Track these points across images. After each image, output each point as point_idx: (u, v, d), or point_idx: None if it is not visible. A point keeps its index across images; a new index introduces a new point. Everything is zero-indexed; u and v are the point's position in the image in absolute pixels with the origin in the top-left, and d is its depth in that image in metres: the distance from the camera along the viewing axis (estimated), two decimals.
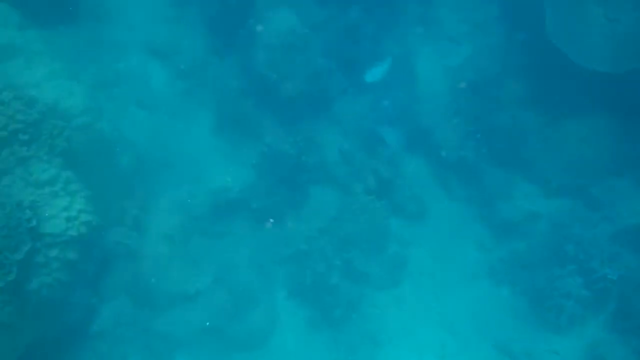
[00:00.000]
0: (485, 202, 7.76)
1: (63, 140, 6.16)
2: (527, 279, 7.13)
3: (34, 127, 6.03)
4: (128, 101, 7.98)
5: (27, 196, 5.78)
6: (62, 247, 5.80)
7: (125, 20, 8.38)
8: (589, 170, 7.55)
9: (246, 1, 7.99)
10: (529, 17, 7.85)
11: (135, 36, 8.36)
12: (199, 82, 8.23)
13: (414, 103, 8.24)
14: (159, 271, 6.89)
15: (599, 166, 7.54)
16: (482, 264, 7.51)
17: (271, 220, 7.53)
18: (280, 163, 7.54)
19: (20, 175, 5.89)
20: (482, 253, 7.60)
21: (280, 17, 7.75)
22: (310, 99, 7.97)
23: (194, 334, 6.83)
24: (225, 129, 8.07)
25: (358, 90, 8.35)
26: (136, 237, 6.91)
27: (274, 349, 7.04)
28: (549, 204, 7.64)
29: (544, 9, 7.32)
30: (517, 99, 7.84)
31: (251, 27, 7.69)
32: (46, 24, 7.33)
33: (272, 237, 7.48)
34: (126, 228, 6.84)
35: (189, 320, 6.84)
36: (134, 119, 7.91)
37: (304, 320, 7.16)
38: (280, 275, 7.32)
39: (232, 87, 7.97)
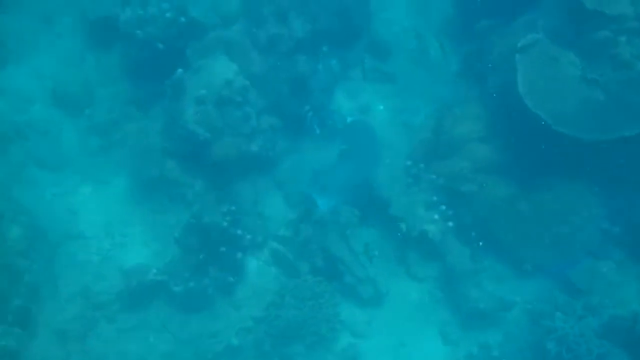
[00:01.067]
0: (451, 285, 6.66)
1: None
2: None
3: None
4: (26, 160, 6.64)
5: None
6: None
7: (30, 63, 7.11)
8: (567, 250, 6.60)
9: (175, 46, 6.88)
10: (498, 75, 7.04)
11: (42, 83, 7.09)
12: (116, 139, 6.97)
13: (370, 167, 7.18)
14: None
15: (577, 246, 6.59)
16: None
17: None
18: (209, 237, 6.29)
19: None
20: (448, 346, 6.44)
21: (215, 65, 6.64)
22: (248, 161, 6.82)
23: None
24: (144, 196, 6.78)
25: (305, 151, 7.26)
26: (19, 335, 5.45)
27: None
28: (523, 288, 6.61)
29: (515, 64, 6.50)
30: (486, 166, 6.89)
31: (180, 76, 6.53)
32: None
33: (196, 330, 6.13)
34: (5, 325, 5.38)
35: None
36: (32, 181, 6.55)
37: None
38: None
39: (155, 146, 6.73)
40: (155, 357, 5.93)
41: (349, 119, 7.51)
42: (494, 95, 6.98)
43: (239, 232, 6.37)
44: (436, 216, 6.67)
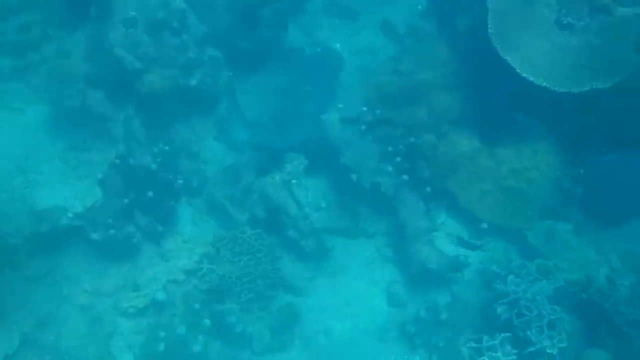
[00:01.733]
0: (401, 242, 6.18)
1: None
2: (448, 347, 5.63)
3: None
4: None
5: None
6: None
7: None
8: (525, 210, 6.19)
9: None
10: (467, 15, 6.41)
11: None
12: (32, 61, 6.07)
13: (320, 109, 6.52)
14: None
15: (537, 205, 6.19)
16: (393, 321, 5.91)
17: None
18: (137, 179, 5.58)
19: None
20: (395, 308, 6.00)
21: None
22: (185, 96, 6.06)
23: None
24: (65, 129, 5.97)
25: (251, 87, 6.53)
26: None
27: None
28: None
29: (486, 4, 5.86)
30: (447, 116, 6.34)
31: None
32: None
33: (115, 281, 5.49)
34: None
35: None
36: None
37: None
38: (124, 339, 5.34)
39: (78, 72, 5.88)
40: (68, 310, 5.28)
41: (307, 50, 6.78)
42: (462, 37, 6.37)
43: (170, 176, 5.69)
44: (390, 168, 6.11)
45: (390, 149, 6.21)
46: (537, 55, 5.71)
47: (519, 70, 5.61)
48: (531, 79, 5.62)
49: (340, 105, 6.46)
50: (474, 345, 5.46)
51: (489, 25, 5.75)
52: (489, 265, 6.02)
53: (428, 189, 6.29)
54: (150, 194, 5.58)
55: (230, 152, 6.35)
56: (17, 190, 5.73)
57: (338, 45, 6.95)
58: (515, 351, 5.37)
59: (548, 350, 5.34)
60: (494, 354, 5.34)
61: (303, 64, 6.65)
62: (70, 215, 5.31)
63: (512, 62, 5.62)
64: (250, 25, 6.57)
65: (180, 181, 5.73)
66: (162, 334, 5.17)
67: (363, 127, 6.33)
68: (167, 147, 5.78)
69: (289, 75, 6.56)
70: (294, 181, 5.99)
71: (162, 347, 5.10)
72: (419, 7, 7.13)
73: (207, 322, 5.32)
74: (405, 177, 6.20)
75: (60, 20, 6.15)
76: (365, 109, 6.41)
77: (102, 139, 5.97)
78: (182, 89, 6.01)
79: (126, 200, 5.53)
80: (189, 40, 5.93)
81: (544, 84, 5.52)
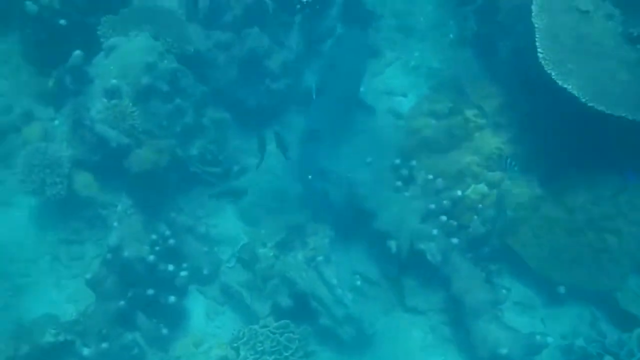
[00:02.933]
0: (460, 319, 5.05)
1: None
2: None
3: None
4: None
5: None
6: None
7: None
8: (613, 267, 4.97)
9: (84, 22, 5.22)
10: (509, 39, 5.39)
11: None
12: (15, 145, 5.35)
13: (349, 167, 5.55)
14: None
15: (627, 260, 4.96)
16: None
17: None
18: (133, 276, 4.68)
19: None
20: None
21: (131, 44, 4.96)
22: (186, 167, 5.20)
23: None
24: (52, 219, 5.18)
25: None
26: None
27: None
28: (557, 319, 5.01)
29: (532, 23, 4.83)
30: (497, 160, 5.26)
31: (77, 61, 4.88)
32: None
33: None
34: None
35: None
36: None
37: None
38: None
39: (60, 155, 5.07)
40: None
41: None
42: (505, 66, 5.35)
43: (173, 267, 4.77)
44: (435, 231, 5.04)
45: (432, 206, 5.16)
46: (605, 78, 4.62)
47: (584, 100, 4.52)
48: (601, 108, 4.52)
49: (369, 159, 5.49)
50: None
51: (539, 49, 4.71)
52: (576, 341, 4.81)
53: (485, 249, 5.20)
54: (150, 291, 4.67)
55: (244, 227, 5.41)
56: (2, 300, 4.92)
57: (361, 88, 6.01)
58: None
59: None
60: None
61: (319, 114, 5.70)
62: (53, 331, 4.40)
63: (573, 90, 4.54)
64: (258, 79, 5.73)
65: (184, 273, 4.80)
66: None
67: (398, 183, 5.32)
68: (168, 232, 4.90)
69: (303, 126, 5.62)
70: (319, 258, 4.98)
71: None
72: (451, 35, 6.16)
73: None
74: (454, 240, 5.12)
75: (43, 99, 5.44)
76: (398, 161, 5.42)
77: (95, 228, 5.14)
78: (181, 160, 5.16)
79: (122, 303, 4.62)
80: (184, 104, 5.09)
81: (621, 114, 4.41)
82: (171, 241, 4.79)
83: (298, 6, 5.78)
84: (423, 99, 5.91)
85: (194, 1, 5.57)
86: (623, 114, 4.46)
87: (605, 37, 4.75)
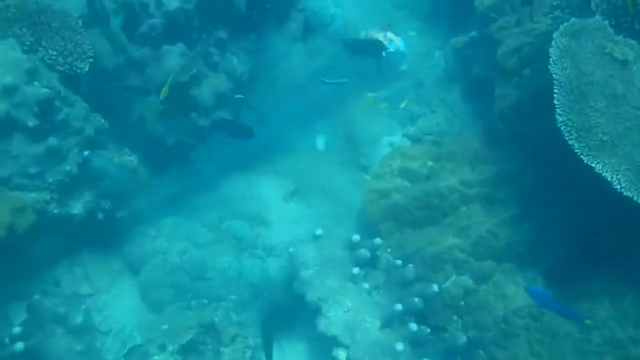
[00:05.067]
0: None
1: None
2: None
3: None
4: None
5: None
6: None
7: None
8: None
9: None
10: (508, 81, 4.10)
11: None
12: None
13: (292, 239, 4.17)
14: None
15: None
16: None
17: None
18: None
19: None
20: None
21: None
22: (60, 236, 3.75)
23: None
24: None
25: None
26: None
27: None
28: None
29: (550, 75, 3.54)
30: (488, 245, 3.95)
31: None
32: None
33: None
34: None
35: None
36: None
37: None
38: None
39: None
40: None
41: None
42: (507, 123, 4.05)
43: None
44: (400, 345, 3.66)
45: (399, 306, 3.81)
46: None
47: (618, 187, 3.24)
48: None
49: (319, 231, 4.12)
50: None
51: (558, 109, 3.41)
52: None
53: None
54: None
55: (141, 313, 3.98)
56: None
57: (321, 142, 4.66)
58: None
59: None
60: None
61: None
62: None
63: (606, 171, 3.26)
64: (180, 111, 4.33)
65: None
66: None
67: (355, 270, 3.95)
68: (18, 328, 3.42)
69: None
70: None
71: None
72: (439, 71, 4.86)
73: None
74: (428, 350, 3.78)
75: None
76: (357, 237, 4.06)
77: None
78: (59, 221, 3.69)
79: None
80: (64, 144, 3.62)
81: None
82: (18, 346, 3.30)
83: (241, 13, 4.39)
84: (394, 151, 4.60)
85: (100, 3, 4.15)
86: None
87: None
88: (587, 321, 3.33)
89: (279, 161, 4.85)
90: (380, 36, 4.36)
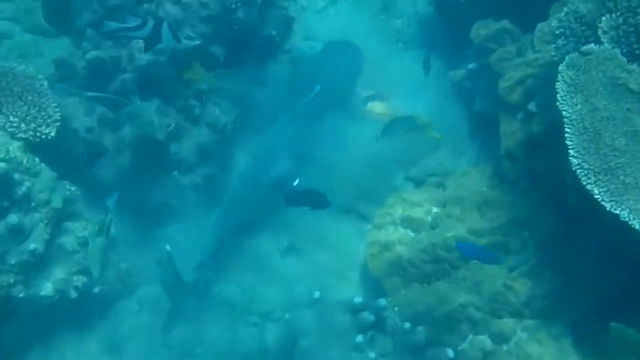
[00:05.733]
0: None
1: None
2: None
3: None
4: None
5: None
6: None
7: None
8: None
9: None
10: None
11: None
12: None
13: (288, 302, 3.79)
14: None
15: None
16: None
17: None
18: None
19: None
20: None
21: None
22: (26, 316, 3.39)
23: None
24: None
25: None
26: None
27: None
28: None
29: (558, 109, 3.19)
30: (505, 301, 3.55)
31: None
32: None
33: None
34: None
35: None
36: None
37: None
38: None
39: None
40: None
41: None
42: (520, 163, 3.69)
43: None
44: None
45: None
46: None
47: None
48: None
49: (317, 294, 3.74)
50: None
51: (571, 150, 3.04)
52: None
53: None
54: None
55: None
56: None
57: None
58: None
59: None
60: None
61: None
62: None
63: (634, 220, 2.87)
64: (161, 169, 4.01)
65: None
66: None
67: (359, 338, 3.55)
68: None
69: None
70: None
71: None
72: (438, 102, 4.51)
73: None
74: None
75: None
76: (359, 299, 3.68)
77: None
78: (24, 302, 3.34)
79: None
80: (25, 221, 3.29)
81: None
82: None
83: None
84: (395, 197, 4.23)
85: (69, 63, 3.87)
86: None
87: None
88: None
89: (273, 214, 4.50)
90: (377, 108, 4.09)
